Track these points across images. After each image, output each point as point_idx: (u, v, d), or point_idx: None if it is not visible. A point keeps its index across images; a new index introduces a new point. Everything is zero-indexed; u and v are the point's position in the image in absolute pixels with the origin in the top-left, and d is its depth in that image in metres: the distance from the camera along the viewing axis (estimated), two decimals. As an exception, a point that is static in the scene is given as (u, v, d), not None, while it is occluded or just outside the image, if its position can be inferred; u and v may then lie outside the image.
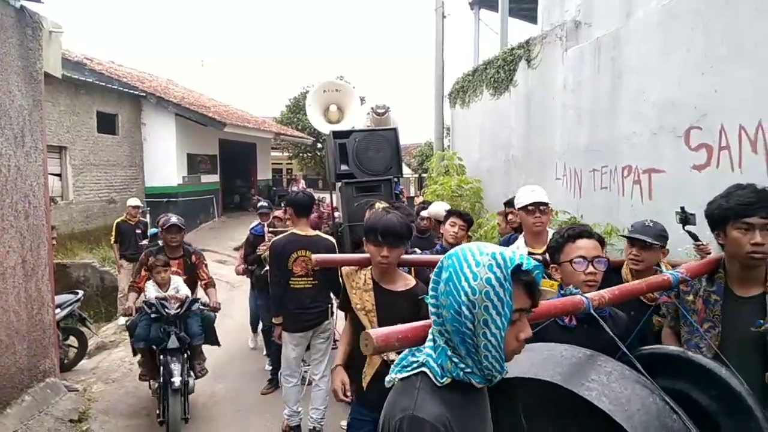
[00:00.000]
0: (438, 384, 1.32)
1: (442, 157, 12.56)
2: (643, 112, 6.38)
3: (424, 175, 26.80)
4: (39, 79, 5.00)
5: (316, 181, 26.36)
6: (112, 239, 8.56)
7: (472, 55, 15.51)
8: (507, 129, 10.43)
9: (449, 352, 1.32)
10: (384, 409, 1.39)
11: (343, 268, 2.90)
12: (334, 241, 4.51)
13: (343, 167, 5.56)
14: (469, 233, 4.76)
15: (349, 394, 2.69)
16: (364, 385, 2.68)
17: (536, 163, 9.32)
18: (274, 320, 4.46)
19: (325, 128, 6.97)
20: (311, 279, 4.32)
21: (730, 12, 5.11)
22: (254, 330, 7.01)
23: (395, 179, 5.75)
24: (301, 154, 27.40)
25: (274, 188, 23.40)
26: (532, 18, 16.21)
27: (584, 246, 2.25)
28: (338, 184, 6.12)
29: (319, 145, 26.70)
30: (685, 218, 3.23)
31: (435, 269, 1.35)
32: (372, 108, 6.05)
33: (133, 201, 9.04)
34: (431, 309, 1.35)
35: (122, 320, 8.22)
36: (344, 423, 4.56)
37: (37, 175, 4.92)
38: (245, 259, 6.39)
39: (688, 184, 5.54)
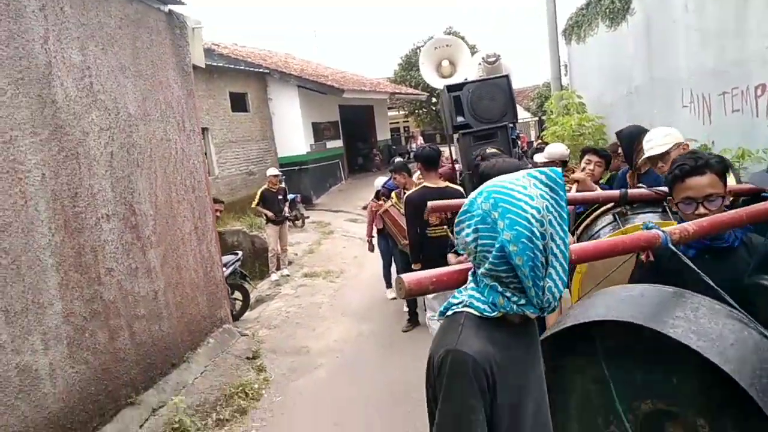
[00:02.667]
0: (484, 318, 1.34)
1: (560, 96, 12.31)
2: (775, 24, 5.99)
3: (543, 117, 26.07)
4: (189, 72, 5.78)
5: (433, 136, 26.55)
6: (255, 203, 9.43)
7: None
8: (627, 60, 10.01)
9: (499, 288, 1.31)
10: (430, 348, 1.41)
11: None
12: (462, 190, 4.76)
13: (459, 119, 5.75)
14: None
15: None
16: None
17: (661, 92, 8.94)
18: (413, 267, 4.81)
19: (439, 83, 7.19)
20: (447, 227, 4.55)
21: None
22: (388, 283, 7.49)
23: (511, 125, 5.92)
24: (416, 111, 27.70)
25: (394, 147, 24.03)
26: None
27: (694, 185, 2.01)
28: (455, 136, 6.37)
29: (434, 100, 26.80)
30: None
31: (468, 218, 1.34)
32: (483, 58, 6.16)
33: (273, 170, 9.88)
34: (477, 253, 1.33)
35: (274, 276, 9.21)
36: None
37: (197, 154, 5.75)
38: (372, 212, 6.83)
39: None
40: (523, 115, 28.75)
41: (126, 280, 4.20)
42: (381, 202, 6.35)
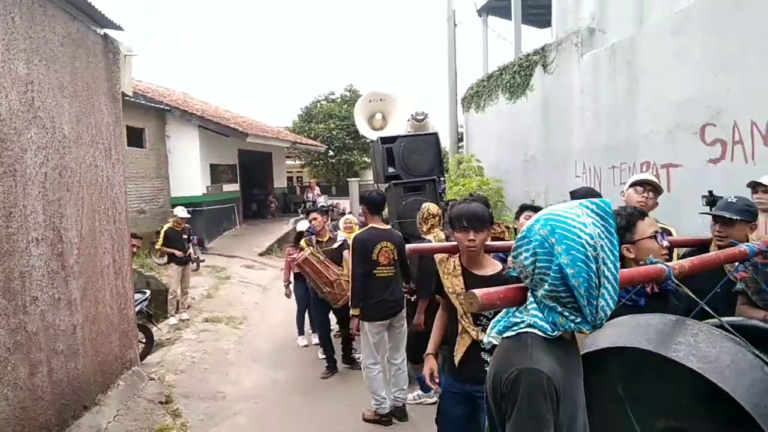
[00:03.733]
0: (547, 338, 1.45)
1: (459, 160, 13.09)
2: (660, 111, 6.91)
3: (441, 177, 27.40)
4: (118, 99, 5.57)
5: (328, 188, 26.91)
6: (159, 243, 9.02)
7: (480, 61, 16.08)
8: (525, 131, 10.96)
9: (559, 308, 1.43)
10: (493, 367, 1.49)
11: (436, 255, 3.08)
12: (400, 233, 4.99)
13: (390, 169, 6.06)
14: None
15: (437, 380, 3.00)
16: (456, 361, 2.88)
17: (555, 162, 9.85)
18: (352, 312, 4.82)
19: (371, 135, 7.44)
20: (393, 268, 4.70)
21: (740, 16, 5.64)
22: (300, 330, 7.43)
23: (438, 179, 6.27)
24: (313, 162, 27.99)
25: (290, 195, 23.97)
26: (539, 23, 16.81)
27: (652, 222, 2.33)
28: (384, 186, 6.61)
29: (331, 153, 27.28)
30: (713, 201, 3.70)
31: (527, 243, 1.46)
32: (412, 115, 6.56)
33: (182, 211, 9.40)
34: (534, 275, 1.44)
35: (173, 320, 8.75)
36: (410, 396, 5.06)
37: (120, 184, 5.48)
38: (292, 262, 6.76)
39: (704, 177, 6.04)
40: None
41: (48, 311, 3.88)
42: (294, 250, 6.41)
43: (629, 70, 7.51)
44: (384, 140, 6.17)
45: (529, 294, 1.51)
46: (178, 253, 8.88)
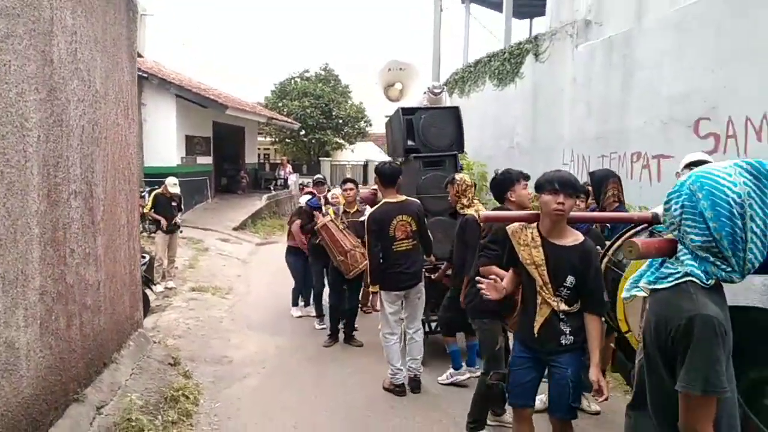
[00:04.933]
0: (706, 287, 1.55)
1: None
2: (655, 104, 7.22)
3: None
4: (135, 57, 5.49)
5: (299, 167, 26.78)
6: (148, 207, 8.78)
7: (459, 49, 16.26)
8: (511, 118, 11.21)
9: (711, 258, 1.55)
10: (654, 316, 1.59)
11: (509, 226, 3.02)
12: (418, 201, 4.93)
13: (410, 142, 5.88)
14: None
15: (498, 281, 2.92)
16: (536, 330, 2.89)
17: (542, 149, 10.14)
18: (371, 289, 4.87)
19: (391, 105, 7.31)
20: (411, 240, 4.67)
21: (740, 15, 5.94)
22: (295, 301, 7.44)
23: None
24: (285, 140, 27.76)
25: (261, 172, 23.75)
26: (519, 14, 17.09)
27: None
28: (399, 159, 6.60)
29: (303, 132, 27.11)
30: None
31: (677, 197, 1.60)
32: (428, 88, 6.41)
33: (172, 185, 8.97)
34: (684, 227, 1.57)
35: (159, 288, 8.67)
36: (441, 378, 4.99)
37: (134, 144, 5.41)
38: (302, 229, 6.78)
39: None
40: (382, 158, 30.15)
41: (81, 265, 3.86)
42: (319, 216, 6.28)
43: (625, 63, 7.80)
44: (405, 111, 5.94)
45: (679, 246, 1.63)
46: (161, 220, 8.70)
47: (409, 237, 4.69)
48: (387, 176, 4.75)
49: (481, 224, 3.81)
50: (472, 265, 3.98)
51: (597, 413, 4.26)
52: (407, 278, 4.70)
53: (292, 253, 7.23)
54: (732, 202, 1.50)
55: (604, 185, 4.29)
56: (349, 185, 6.39)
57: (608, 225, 4.38)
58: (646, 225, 2.89)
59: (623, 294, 1.78)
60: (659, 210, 3.66)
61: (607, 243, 3.32)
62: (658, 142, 7.15)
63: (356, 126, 28.75)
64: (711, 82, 6.29)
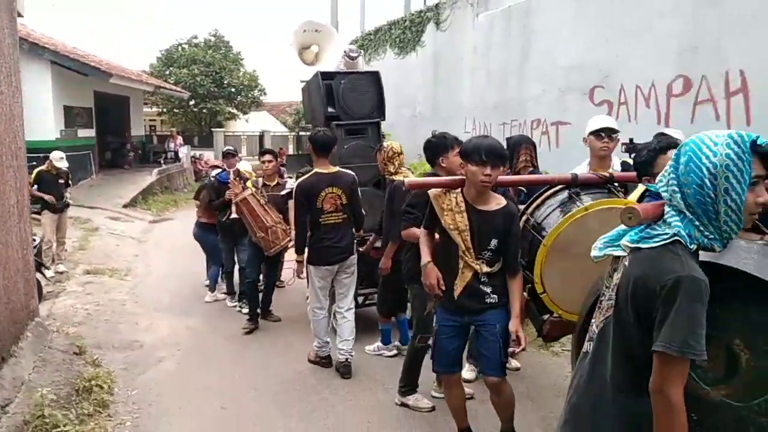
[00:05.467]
0: (690, 251, 1.53)
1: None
2: (552, 73, 7.58)
3: (302, 133, 27.07)
4: (15, 19, 4.90)
5: (191, 138, 25.49)
6: (30, 184, 7.97)
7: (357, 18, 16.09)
8: (413, 87, 11.32)
9: (696, 223, 1.53)
10: (636, 274, 1.56)
11: (431, 190, 3.00)
12: (353, 173, 4.69)
13: (330, 109, 5.49)
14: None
15: (443, 286, 2.96)
16: (456, 294, 2.92)
17: (444, 117, 10.35)
18: (297, 258, 4.62)
19: (306, 69, 6.91)
20: (341, 214, 4.47)
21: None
22: (213, 286, 6.95)
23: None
24: (173, 110, 26.27)
25: (149, 145, 22.39)
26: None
27: None
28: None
29: (192, 102, 25.83)
30: (633, 148, 4.15)
31: (672, 163, 1.56)
32: (345, 51, 6.16)
33: (59, 159, 8.22)
34: (668, 187, 1.56)
35: (49, 272, 8.00)
36: (369, 348, 4.97)
37: (20, 116, 4.86)
38: (209, 204, 6.37)
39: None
40: (279, 128, 29.48)
41: (-28, 252, 3.46)
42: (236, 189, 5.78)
43: (524, 32, 8.09)
44: (324, 75, 5.61)
45: (667, 208, 1.60)
46: (48, 198, 7.97)
47: (339, 210, 4.48)
48: (321, 145, 4.49)
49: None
50: (398, 231, 3.94)
51: (517, 369, 4.48)
52: (337, 252, 4.51)
53: (206, 229, 6.81)
54: (705, 171, 1.49)
55: (517, 151, 4.41)
56: (268, 157, 6.05)
57: (524, 189, 4.54)
58: (563, 186, 3.02)
59: (593, 252, 1.77)
60: (581, 169, 3.81)
61: (521, 207, 3.41)
62: (556, 109, 7.53)
63: (250, 95, 27.81)
64: (604, 53, 6.68)
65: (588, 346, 1.78)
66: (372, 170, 5.35)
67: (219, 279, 6.94)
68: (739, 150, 1.47)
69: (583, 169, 3.61)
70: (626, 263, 1.64)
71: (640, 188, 2.69)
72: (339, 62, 6.01)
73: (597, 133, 3.53)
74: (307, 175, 4.60)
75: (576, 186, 3.03)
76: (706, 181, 1.48)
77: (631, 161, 3.91)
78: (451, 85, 10.10)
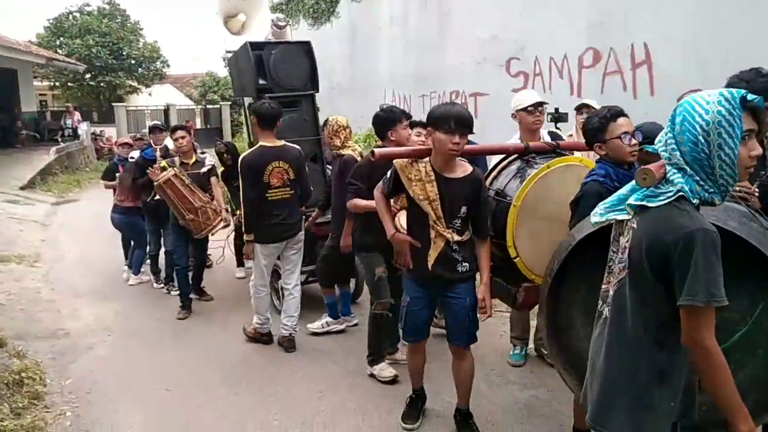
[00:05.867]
0: (694, 205, 1.59)
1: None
2: (469, 45, 7.79)
3: (209, 106, 26.14)
4: None
5: (89, 113, 23.89)
6: None
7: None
8: (329, 59, 11.20)
9: (696, 178, 1.58)
10: (650, 232, 1.60)
11: (397, 161, 2.97)
12: (299, 147, 4.59)
13: (261, 81, 5.25)
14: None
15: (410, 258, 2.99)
16: (430, 264, 2.93)
17: (362, 89, 10.38)
18: (246, 238, 4.47)
19: (233, 38, 6.57)
20: (288, 189, 4.37)
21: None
22: (137, 269, 6.65)
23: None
24: (67, 84, 24.45)
25: (43, 122, 20.83)
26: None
27: (625, 122, 2.59)
28: (248, 100, 6.02)
29: (89, 76, 24.19)
30: (559, 117, 4.30)
31: (669, 121, 1.62)
32: (272, 20, 5.89)
33: None
34: (667, 145, 1.61)
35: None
36: (314, 326, 4.87)
37: None
38: (133, 183, 6.05)
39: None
40: (185, 102, 28.27)
41: None
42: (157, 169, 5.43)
43: (440, 4, 8.23)
44: (254, 45, 5.36)
45: (668, 167, 1.64)
46: None
47: (286, 185, 4.38)
48: (266, 117, 4.34)
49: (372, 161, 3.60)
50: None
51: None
52: (285, 229, 4.44)
53: (130, 213, 6.45)
54: (698, 128, 1.55)
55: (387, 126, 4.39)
56: (180, 133, 5.60)
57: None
58: (516, 156, 3.18)
59: (593, 219, 1.83)
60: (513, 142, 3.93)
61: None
62: (474, 80, 7.77)
63: (152, 67, 26.39)
64: (519, 25, 6.95)
65: (605, 309, 1.82)
66: (308, 144, 5.29)
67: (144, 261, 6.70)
68: (730, 106, 1.53)
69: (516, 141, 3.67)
70: (634, 225, 1.69)
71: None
72: (268, 32, 5.81)
73: (526, 109, 3.63)
74: (252, 149, 4.49)
75: (528, 154, 3.15)
76: (700, 138, 1.54)
77: (557, 130, 4.23)
78: (369, 56, 10.13)
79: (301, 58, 5.44)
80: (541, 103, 3.66)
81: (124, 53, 24.42)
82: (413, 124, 4.16)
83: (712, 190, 1.59)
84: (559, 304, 2.53)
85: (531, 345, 4.32)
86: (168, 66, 27.37)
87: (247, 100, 6.09)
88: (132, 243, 6.67)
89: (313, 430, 3.47)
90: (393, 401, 3.69)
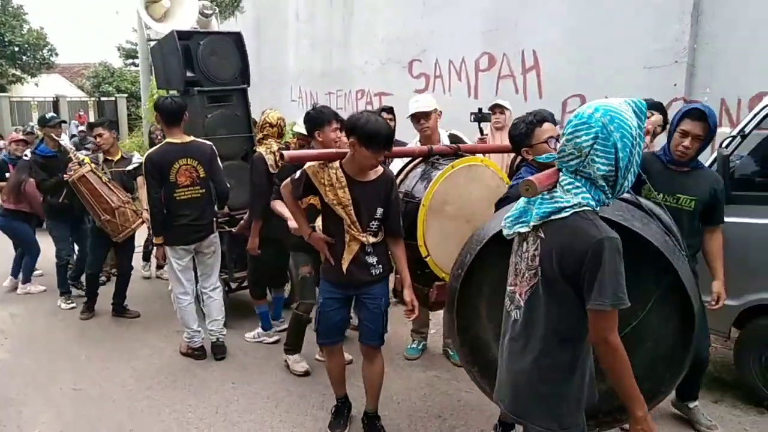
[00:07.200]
0: (596, 212, 1.73)
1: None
2: (373, 45, 8.04)
3: (104, 98, 24.76)
4: None
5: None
6: None
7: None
8: (234, 53, 11.12)
9: (607, 188, 1.72)
10: (559, 243, 1.72)
11: (308, 166, 2.91)
12: (211, 144, 4.32)
13: (189, 74, 4.98)
14: None
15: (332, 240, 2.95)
16: (344, 267, 2.92)
17: (269, 86, 10.34)
18: (155, 241, 4.24)
19: (158, 27, 6.08)
20: (198, 188, 4.15)
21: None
22: (27, 277, 6.18)
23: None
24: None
25: None
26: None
27: (549, 128, 2.66)
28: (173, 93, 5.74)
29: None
30: (482, 117, 4.44)
31: (587, 128, 1.67)
32: (199, 9, 5.64)
33: None
34: (590, 157, 1.68)
35: None
36: (249, 335, 4.68)
37: None
38: (39, 185, 5.46)
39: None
40: (76, 93, 26.62)
41: None
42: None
43: (345, 2, 8.41)
44: (180, 35, 5.04)
45: (563, 176, 1.76)
46: None
47: (196, 183, 4.14)
48: (169, 113, 4.10)
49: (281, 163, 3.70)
50: (260, 209, 4.00)
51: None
52: (195, 230, 4.20)
53: (13, 217, 5.98)
54: (632, 136, 1.68)
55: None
56: (100, 129, 5.25)
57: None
58: (420, 159, 3.37)
59: (504, 231, 1.93)
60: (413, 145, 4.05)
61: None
62: (379, 80, 8.03)
63: (38, 55, 24.64)
64: (420, 28, 7.28)
65: (514, 311, 1.92)
66: (240, 142, 5.13)
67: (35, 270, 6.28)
68: (642, 118, 1.73)
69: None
70: (542, 235, 1.79)
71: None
72: (194, 22, 5.55)
73: (412, 117, 3.73)
74: (157, 146, 4.27)
75: (432, 156, 3.27)
76: (634, 143, 1.68)
77: (459, 134, 4.15)
78: (276, 52, 10.15)
79: (231, 50, 5.18)
80: (423, 114, 3.70)
81: (6, 40, 22.62)
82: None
83: (611, 195, 1.76)
84: (467, 297, 2.65)
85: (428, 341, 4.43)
86: (56, 54, 25.64)
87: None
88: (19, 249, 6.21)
89: (227, 418, 3.55)
90: (306, 387, 3.85)
